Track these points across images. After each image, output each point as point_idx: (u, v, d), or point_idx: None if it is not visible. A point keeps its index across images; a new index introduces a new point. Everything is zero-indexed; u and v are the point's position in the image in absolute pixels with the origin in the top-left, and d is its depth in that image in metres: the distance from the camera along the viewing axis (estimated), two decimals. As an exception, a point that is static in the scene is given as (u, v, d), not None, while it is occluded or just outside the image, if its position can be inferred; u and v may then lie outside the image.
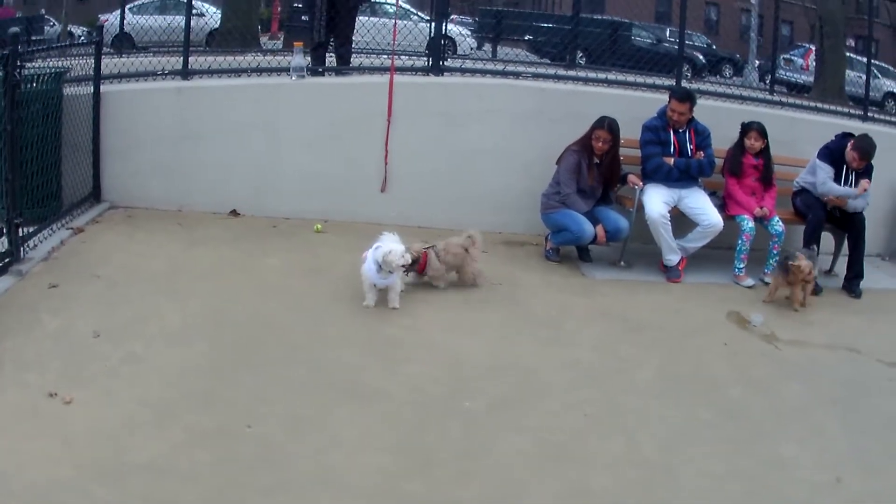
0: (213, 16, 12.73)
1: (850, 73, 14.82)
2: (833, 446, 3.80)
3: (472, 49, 12.76)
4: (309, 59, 6.85)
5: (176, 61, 6.69)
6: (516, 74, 7.12)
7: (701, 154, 6.06)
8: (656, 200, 5.91)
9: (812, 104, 8.10)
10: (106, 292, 4.66)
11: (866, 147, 6.03)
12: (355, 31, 7.36)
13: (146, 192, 6.26)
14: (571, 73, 7.32)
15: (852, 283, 6.10)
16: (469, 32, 13.45)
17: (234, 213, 6.36)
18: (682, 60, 7.72)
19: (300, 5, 9.59)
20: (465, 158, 6.53)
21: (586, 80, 7.06)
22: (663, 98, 6.29)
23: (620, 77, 7.44)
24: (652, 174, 6.04)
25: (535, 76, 7.10)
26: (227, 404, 3.61)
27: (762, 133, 6.08)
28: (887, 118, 8.31)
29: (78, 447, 3.17)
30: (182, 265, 5.23)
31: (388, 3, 10.52)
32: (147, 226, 5.89)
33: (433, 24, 7.23)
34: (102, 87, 6.11)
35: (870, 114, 7.88)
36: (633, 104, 6.56)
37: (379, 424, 3.60)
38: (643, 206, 5.95)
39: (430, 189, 6.53)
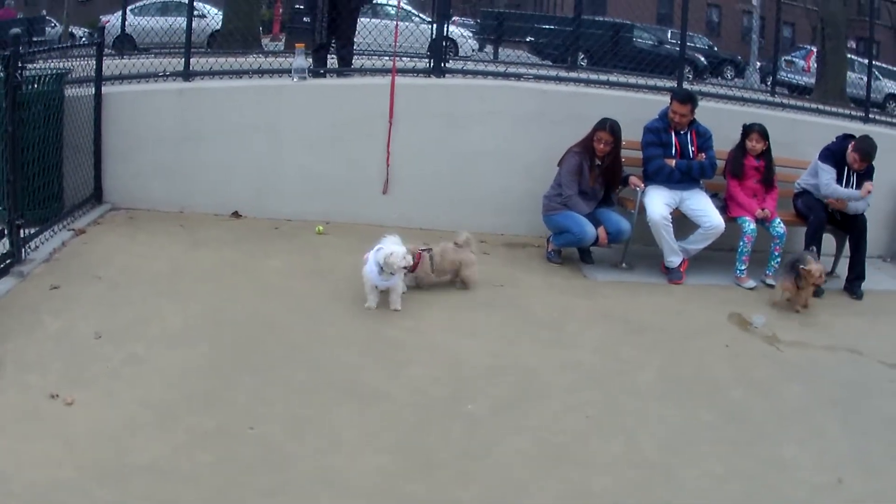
0: (214, 17, 12.76)
1: (851, 75, 14.82)
2: (834, 447, 3.80)
3: (473, 51, 12.76)
4: (310, 60, 6.85)
5: (177, 62, 6.69)
6: (518, 76, 7.12)
7: (702, 156, 6.06)
8: (658, 202, 5.91)
9: (813, 106, 8.10)
10: (107, 293, 4.67)
11: (867, 148, 6.03)
12: (357, 32, 7.36)
13: (148, 193, 6.27)
14: (573, 74, 7.32)
15: (854, 285, 6.10)
16: (471, 34, 13.45)
17: (235, 214, 6.36)
18: (684, 62, 7.72)
19: (302, 7, 9.60)
20: (466, 160, 6.53)
21: (588, 82, 7.06)
22: (665, 100, 6.29)
23: (622, 79, 7.45)
24: (653, 176, 6.04)
25: (537, 78, 7.10)
26: (229, 405, 3.62)
27: (763, 135, 6.08)
28: (888, 120, 8.30)
29: (79, 448, 3.17)
30: (183, 266, 5.23)
31: (390, 5, 10.54)
32: (148, 227, 5.90)
33: (435, 25, 7.22)
34: (104, 89, 6.11)
35: (871, 115, 7.87)
36: (635, 106, 6.56)
37: (379, 425, 3.60)
38: (645, 208, 5.95)
39: (431, 191, 6.53)
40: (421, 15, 12.36)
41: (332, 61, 7.26)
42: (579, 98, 6.69)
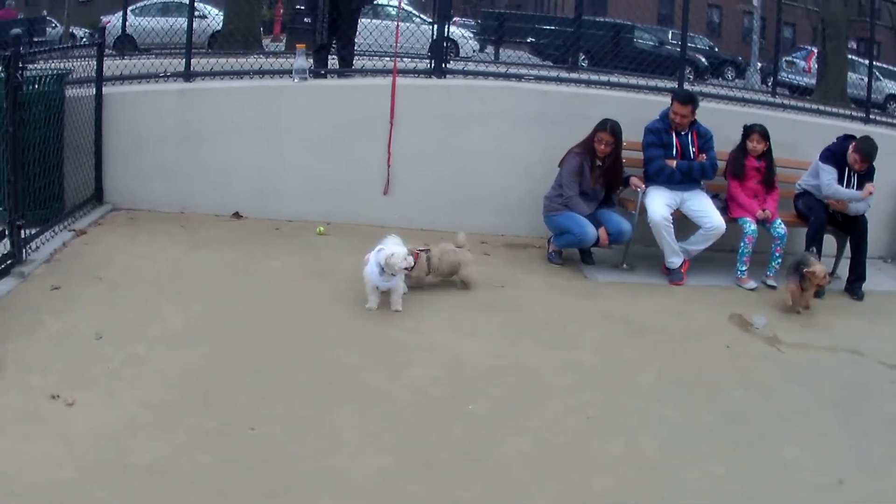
0: (215, 18, 12.78)
1: (852, 76, 14.81)
2: (835, 448, 3.80)
3: (474, 51, 12.77)
4: (311, 61, 6.86)
5: (178, 63, 6.70)
6: (519, 77, 7.12)
7: (703, 156, 6.06)
8: (658, 203, 5.91)
9: (814, 107, 8.09)
10: (108, 294, 4.67)
11: (868, 149, 6.03)
12: (358, 33, 7.36)
13: (148, 194, 6.27)
14: (574, 75, 7.33)
15: (854, 286, 6.10)
16: (471, 35, 13.46)
17: (236, 215, 6.36)
18: (685, 63, 7.72)
19: (302, 7, 9.62)
20: (467, 161, 6.53)
21: (589, 83, 7.06)
22: (666, 100, 6.29)
23: (623, 79, 7.46)
24: (654, 177, 6.04)
25: (538, 78, 7.10)
26: (229, 406, 3.62)
27: (764, 135, 6.08)
28: (889, 120, 8.29)
29: (80, 449, 3.17)
30: (184, 267, 5.23)
31: (391, 6, 10.55)
32: (149, 228, 5.90)
33: (435, 26, 7.22)
34: (105, 89, 6.11)
35: (872, 116, 7.88)
36: (636, 106, 6.56)
37: (380, 426, 3.60)
38: (645, 209, 5.95)
39: (432, 191, 6.53)
40: (422, 16, 12.38)
41: (333, 62, 7.26)
42: (580, 99, 6.69)
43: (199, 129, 6.26)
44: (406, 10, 10.98)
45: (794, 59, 18.41)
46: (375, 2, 10.69)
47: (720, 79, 15.76)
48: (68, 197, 5.84)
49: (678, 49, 7.95)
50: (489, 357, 4.38)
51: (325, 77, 6.88)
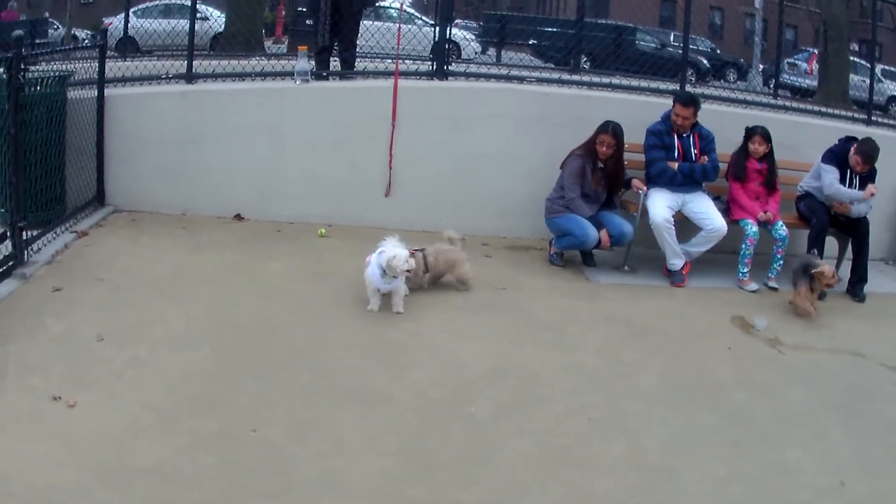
0: (217, 20, 12.77)
1: (853, 78, 14.81)
2: (836, 450, 3.80)
3: (476, 53, 12.80)
4: (313, 63, 6.86)
5: (180, 65, 6.71)
6: (520, 79, 7.12)
7: (705, 158, 6.05)
8: (660, 205, 5.91)
9: (816, 108, 8.09)
10: (110, 296, 4.67)
11: (870, 151, 6.02)
12: (360, 35, 7.37)
13: (150, 195, 6.27)
14: (576, 77, 7.34)
15: (856, 288, 6.09)
16: (473, 37, 13.48)
17: (238, 217, 6.37)
18: (687, 65, 7.72)
19: (304, 9, 9.63)
20: (469, 163, 6.54)
21: (590, 85, 7.07)
22: (667, 102, 6.29)
23: (624, 81, 7.45)
24: (656, 179, 6.03)
25: (540, 81, 7.10)
26: (231, 408, 3.62)
27: (766, 137, 6.08)
28: (891, 122, 8.30)
29: (81, 451, 3.17)
30: (186, 269, 5.23)
31: (393, 8, 10.55)
32: (151, 229, 5.90)
33: (437, 28, 7.23)
34: (106, 91, 6.12)
35: (873, 118, 7.88)
36: (638, 109, 6.56)
37: (382, 428, 3.60)
38: (647, 211, 5.94)
39: (434, 193, 6.53)
40: (424, 18, 12.38)
41: (335, 64, 7.27)
42: (582, 101, 6.69)
43: (201, 131, 6.27)
44: (408, 12, 10.98)
45: (796, 61, 18.42)
46: (377, 4, 10.70)
47: (722, 81, 15.79)
48: (70, 199, 5.84)
49: (680, 51, 7.96)
50: (490, 359, 4.38)
51: (327, 79, 6.89)
